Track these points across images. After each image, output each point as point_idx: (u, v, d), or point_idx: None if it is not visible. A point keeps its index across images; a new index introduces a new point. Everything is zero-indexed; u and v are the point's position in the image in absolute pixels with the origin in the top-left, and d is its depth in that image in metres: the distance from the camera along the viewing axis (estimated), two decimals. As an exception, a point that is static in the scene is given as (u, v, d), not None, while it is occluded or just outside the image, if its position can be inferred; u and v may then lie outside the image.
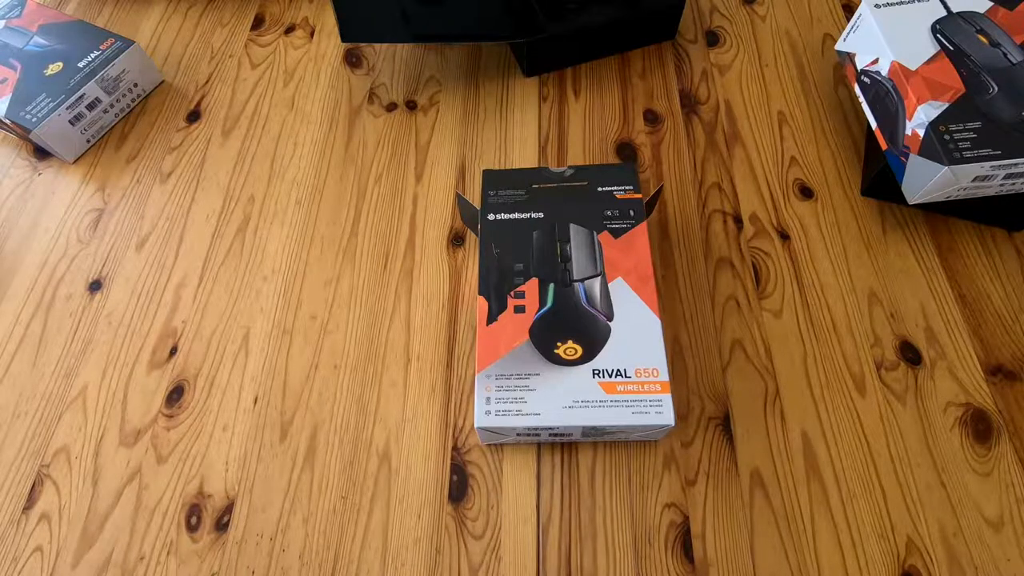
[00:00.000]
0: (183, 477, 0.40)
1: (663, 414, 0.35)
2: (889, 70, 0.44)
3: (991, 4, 0.45)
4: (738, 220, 0.49)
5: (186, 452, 0.41)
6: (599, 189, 0.43)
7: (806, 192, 0.50)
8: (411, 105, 0.57)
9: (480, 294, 0.39)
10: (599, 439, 0.39)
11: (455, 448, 0.40)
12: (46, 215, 0.52)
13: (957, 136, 0.40)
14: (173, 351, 0.45)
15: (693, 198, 0.50)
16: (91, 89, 0.53)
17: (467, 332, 0.45)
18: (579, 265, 0.40)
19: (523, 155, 0.53)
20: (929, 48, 0.43)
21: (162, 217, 0.51)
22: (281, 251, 0.49)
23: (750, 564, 0.36)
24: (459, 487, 0.39)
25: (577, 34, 0.55)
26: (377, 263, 0.48)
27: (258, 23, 0.63)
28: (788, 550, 0.37)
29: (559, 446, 0.40)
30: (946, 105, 0.41)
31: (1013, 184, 0.41)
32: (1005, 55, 0.43)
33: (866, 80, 0.46)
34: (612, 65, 0.58)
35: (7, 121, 0.52)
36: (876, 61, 0.45)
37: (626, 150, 0.53)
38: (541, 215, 0.42)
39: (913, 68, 0.43)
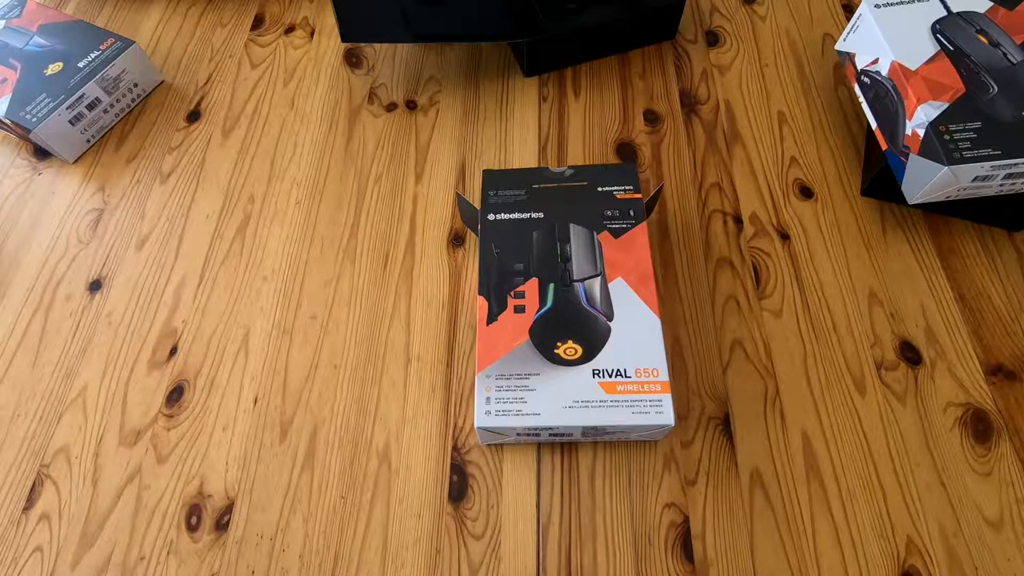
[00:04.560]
0: (183, 477, 0.40)
1: (663, 414, 0.35)
2: (889, 70, 0.44)
3: (991, 4, 0.45)
4: (738, 220, 0.49)
5: (186, 452, 0.41)
6: (599, 189, 0.43)
7: (806, 192, 0.50)
8: (411, 105, 0.57)
9: (480, 294, 0.39)
10: (599, 439, 0.39)
11: (455, 448, 0.40)
12: (46, 215, 0.52)
13: (957, 136, 0.40)
14: (173, 351, 0.45)
15: (693, 198, 0.50)
16: (91, 89, 0.53)
17: (467, 332, 0.45)
18: (579, 265, 0.40)
19: (523, 155, 0.53)
20: (929, 48, 0.43)
21: (162, 217, 0.51)
22: (281, 251, 0.49)
23: (750, 564, 0.36)
24: (459, 487, 0.39)
25: (577, 34, 0.55)
26: (377, 263, 0.48)
27: (258, 23, 0.63)
28: (788, 550, 0.37)
29: (559, 446, 0.40)
30: (946, 105, 0.41)
31: (1013, 184, 0.41)
32: (1005, 55, 0.43)
33: (866, 80, 0.46)
34: (612, 65, 0.58)
35: (7, 121, 0.52)
36: (876, 61, 0.45)
37: (626, 150, 0.53)
38: (541, 215, 0.42)
39: (913, 68, 0.43)
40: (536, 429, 0.36)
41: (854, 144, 0.52)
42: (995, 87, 0.41)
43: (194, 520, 0.39)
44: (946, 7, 0.45)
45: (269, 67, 0.60)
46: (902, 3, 0.46)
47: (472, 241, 0.49)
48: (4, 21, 0.58)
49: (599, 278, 0.39)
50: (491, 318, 0.38)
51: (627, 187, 0.43)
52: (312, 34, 0.62)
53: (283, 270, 0.48)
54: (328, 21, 0.63)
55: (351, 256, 0.48)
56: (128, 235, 0.50)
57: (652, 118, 0.55)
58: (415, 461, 0.40)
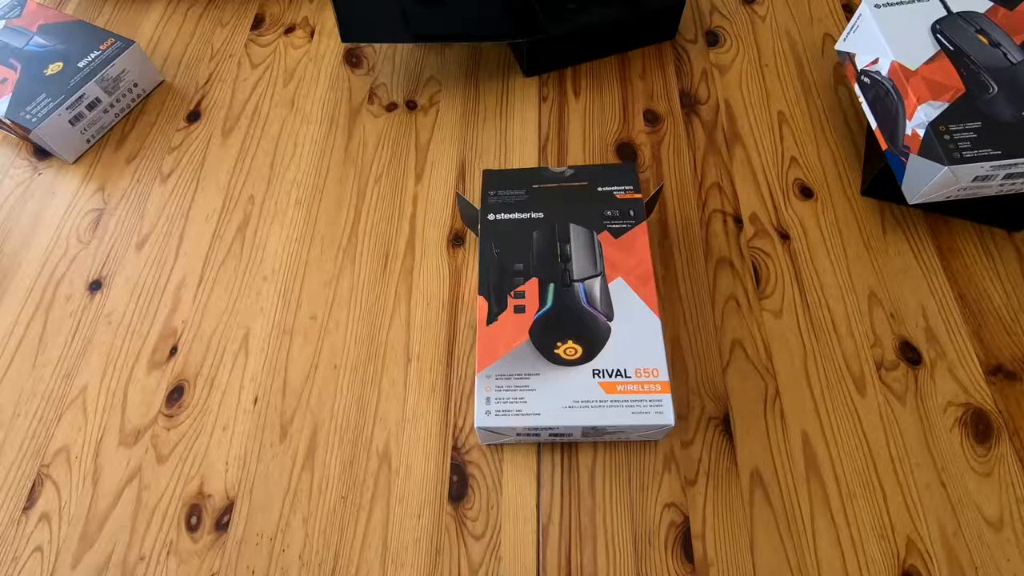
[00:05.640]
0: (183, 477, 0.40)
1: (663, 414, 0.35)
2: (889, 70, 0.44)
3: (991, 4, 0.45)
4: (738, 220, 0.49)
5: (186, 452, 0.41)
6: (599, 189, 0.43)
7: (806, 192, 0.50)
8: (411, 105, 0.57)
9: (480, 294, 0.39)
10: (599, 439, 0.39)
11: (455, 448, 0.40)
12: (46, 215, 0.52)
13: (957, 136, 0.40)
14: (173, 351, 0.45)
15: (693, 198, 0.50)
16: (91, 89, 0.53)
17: (467, 332, 0.45)
18: (579, 265, 0.40)
19: (523, 155, 0.53)
20: (929, 48, 0.43)
21: (162, 217, 0.51)
22: (281, 251, 0.49)
23: (750, 564, 0.36)
24: (459, 487, 0.39)
25: (577, 34, 0.55)
26: (377, 263, 0.48)
27: (258, 23, 0.63)
28: (788, 550, 0.37)
29: (559, 446, 0.40)
30: (946, 105, 0.41)
31: (1013, 184, 0.41)
32: (1005, 55, 0.43)
33: (866, 80, 0.46)
34: (612, 65, 0.58)
35: (7, 121, 0.52)
36: (876, 61, 0.45)
37: (626, 150, 0.53)
38: (541, 215, 0.42)
39: (913, 68, 0.43)
40: (536, 429, 0.36)
41: (854, 144, 0.52)
42: (995, 87, 0.41)
43: (194, 520, 0.39)
44: (946, 7, 0.45)
45: (269, 67, 0.60)
46: (902, 3, 0.46)
47: (472, 241, 0.49)
48: (4, 21, 0.58)
49: (599, 278, 0.39)
50: (491, 318, 0.38)
51: (627, 187, 0.43)
52: (312, 34, 0.62)
53: (283, 270, 0.48)
54: (328, 21, 0.63)
55: (351, 256, 0.48)
56: (128, 235, 0.50)
57: (652, 118, 0.55)
58: (415, 461, 0.40)
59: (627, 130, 0.54)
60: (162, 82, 0.60)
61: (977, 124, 0.40)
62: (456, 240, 0.49)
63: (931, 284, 0.45)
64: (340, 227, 0.50)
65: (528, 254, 0.40)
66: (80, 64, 0.54)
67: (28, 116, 0.51)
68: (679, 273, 0.46)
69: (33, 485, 0.40)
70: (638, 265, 0.39)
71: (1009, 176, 0.40)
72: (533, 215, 0.42)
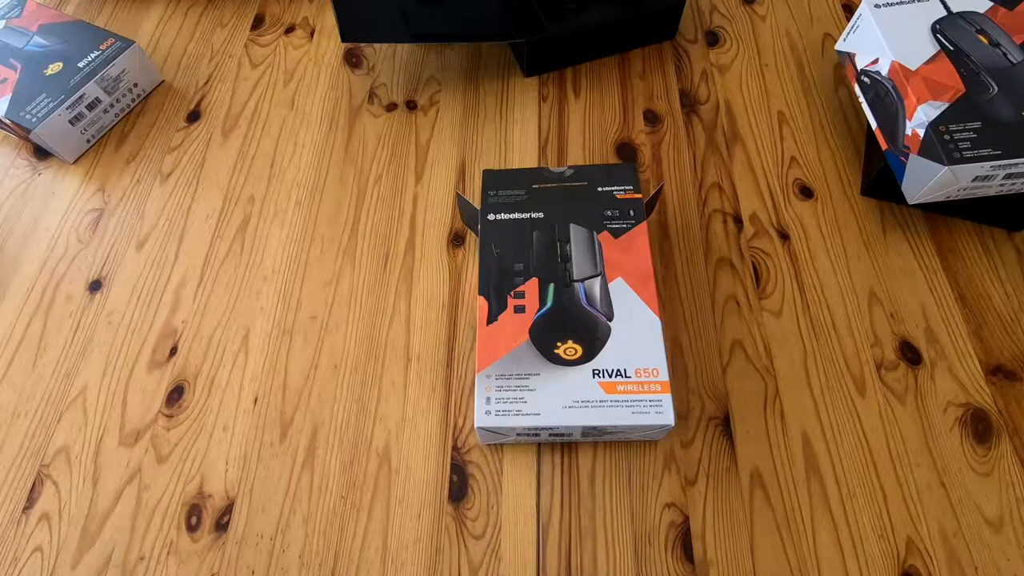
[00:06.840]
0: (183, 477, 0.40)
1: (663, 414, 0.35)
2: (889, 70, 0.44)
3: (991, 4, 0.45)
4: (738, 220, 0.49)
5: (186, 452, 0.41)
6: (599, 189, 0.43)
7: (806, 192, 0.50)
8: (411, 105, 0.57)
9: (480, 294, 0.39)
10: (599, 439, 0.39)
11: (455, 448, 0.40)
12: (46, 215, 0.52)
13: (957, 136, 0.40)
14: (173, 351, 0.45)
15: (693, 198, 0.50)
16: (91, 89, 0.53)
17: (467, 332, 0.45)
18: (579, 265, 0.40)
19: (523, 155, 0.53)
20: (929, 48, 0.43)
21: (162, 217, 0.51)
22: (281, 251, 0.49)
23: (750, 564, 0.36)
24: (459, 487, 0.39)
25: (577, 34, 0.55)
26: (377, 263, 0.48)
27: (258, 23, 0.63)
28: (788, 550, 0.37)
29: (559, 446, 0.40)
30: (946, 105, 0.41)
31: (1013, 184, 0.41)
32: (1005, 55, 0.43)
33: (866, 80, 0.46)
34: (612, 65, 0.58)
35: (7, 121, 0.52)
36: (876, 61, 0.45)
37: (626, 150, 0.53)
38: (541, 215, 0.42)
39: (913, 68, 0.43)
40: (536, 429, 0.36)
41: (854, 144, 0.52)
42: (995, 87, 0.41)
43: (194, 520, 0.39)
44: (946, 7, 0.45)
45: (269, 67, 0.60)
46: (902, 3, 0.46)
47: (472, 241, 0.49)
48: (4, 21, 0.58)
49: (599, 278, 0.39)
50: (491, 318, 0.38)
51: (627, 187, 0.43)
52: (312, 34, 0.62)
53: (283, 270, 0.48)
54: (328, 21, 0.63)
55: (351, 256, 0.48)
56: (128, 235, 0.50)
57: (652, 118, 0.55)
58: (415, 461, 0.40)
59: (627, 130, 0.54)
60: (162, 82, 0.60)
61: (977, 124, 0.40)
62: (456, 240, 0.49)
63: (931, 284, 0.45)
64: (340, 227, 0.50)
65: (528, 254, 0.40)
66: (80, 64, 0.54)
67: (28, 116, 0.51)
68: (679, 273, 0.46)
69: (33, 485, 0.40)
70: (638, 265, 0.39)
71: (1009, 176, 0.40)
72: (533, 215, 0.42)
